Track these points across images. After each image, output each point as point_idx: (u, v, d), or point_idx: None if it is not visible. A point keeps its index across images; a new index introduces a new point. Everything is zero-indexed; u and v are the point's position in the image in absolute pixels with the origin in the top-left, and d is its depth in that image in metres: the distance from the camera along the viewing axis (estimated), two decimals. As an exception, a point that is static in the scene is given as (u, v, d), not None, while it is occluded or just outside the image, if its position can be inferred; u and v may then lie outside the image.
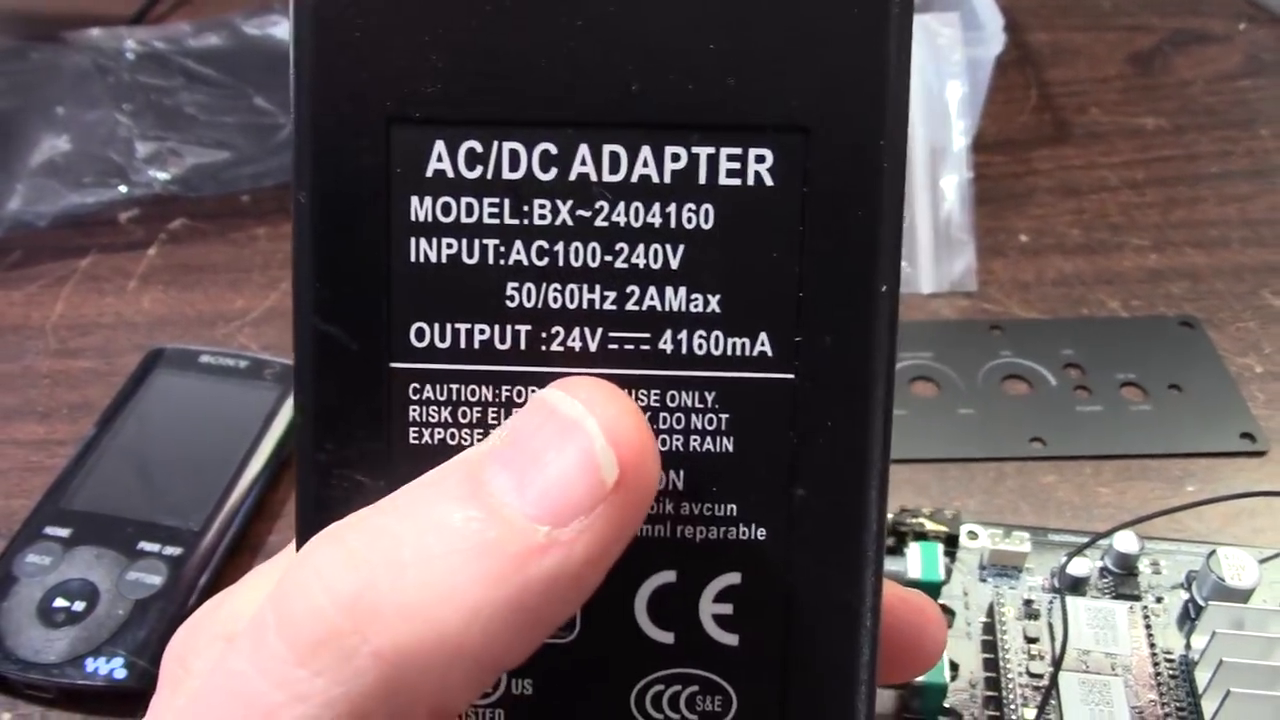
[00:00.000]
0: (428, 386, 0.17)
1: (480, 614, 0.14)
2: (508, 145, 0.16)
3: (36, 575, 0.37)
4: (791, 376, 0.16)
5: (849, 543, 0.17)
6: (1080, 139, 0.59)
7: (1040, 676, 0.34)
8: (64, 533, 0.38)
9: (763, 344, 0.16)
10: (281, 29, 0.61)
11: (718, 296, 0.16)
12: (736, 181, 0.16)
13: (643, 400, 0.17)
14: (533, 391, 0.16)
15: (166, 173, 0.55)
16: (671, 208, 0.16)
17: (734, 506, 0.17)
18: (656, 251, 0.16)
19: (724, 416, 0.17)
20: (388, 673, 0.14)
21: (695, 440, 0.17)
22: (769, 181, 0.16)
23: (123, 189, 0.54)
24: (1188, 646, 0.35)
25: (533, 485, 0.15)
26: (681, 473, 0.17)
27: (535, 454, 0.15)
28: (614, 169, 0.16)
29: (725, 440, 0.17)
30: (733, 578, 0.17)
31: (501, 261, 0.16)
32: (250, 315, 0.49)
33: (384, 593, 0.14)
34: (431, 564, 0.14)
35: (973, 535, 0.38)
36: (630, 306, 0.16)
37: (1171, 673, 0.34)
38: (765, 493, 0.17)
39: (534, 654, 0.17)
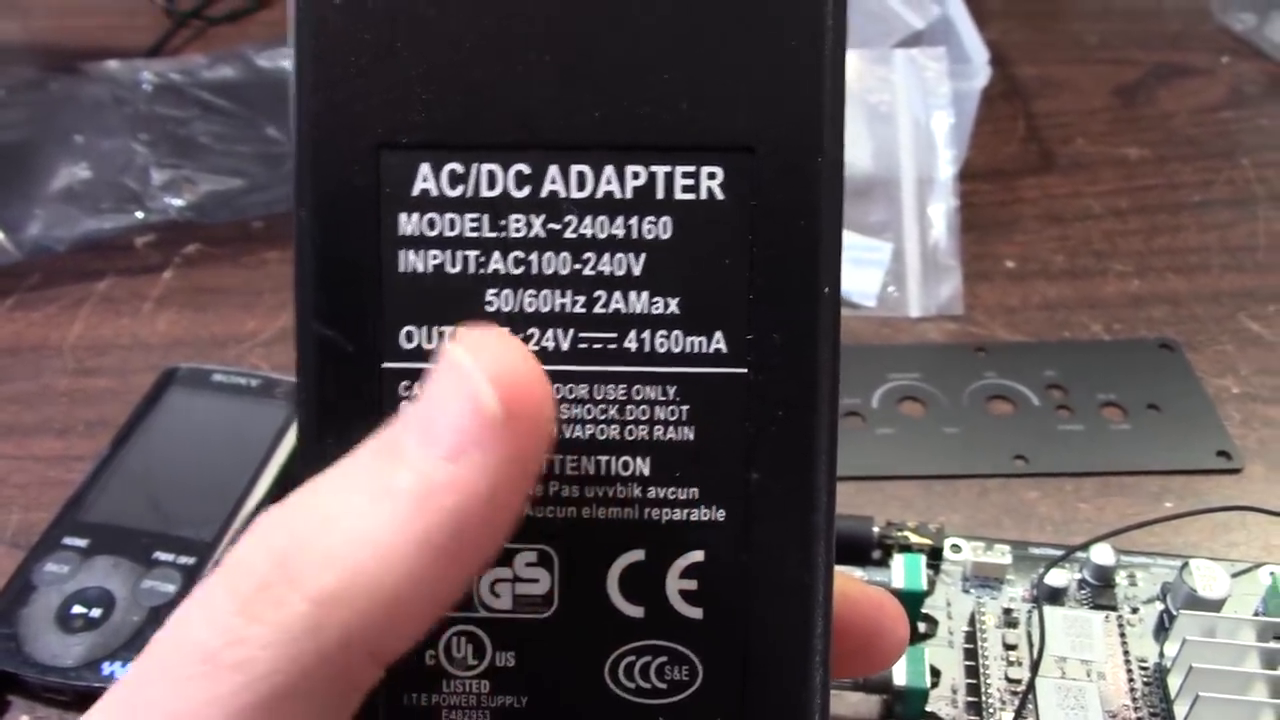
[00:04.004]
0: (417, 384, 0.18)
1: (394, 554, 0.15)
2: (485, 167, 0.18)
3: (55, 583, 0.38)
4: (745, 371, 0.18)
5: (801, 522, 0.18)
6: (1066, 168, 0.61)
7: (1018, 682, 0.35)
8: (82, 543, 0.40)
9: (718, 342, 0.18)
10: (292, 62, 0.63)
11: (677, 299, 0.18)
12: (691, 196, 0.18)
13: (611, 394, 0.18)
14: None
15: (181, 199, 0.57)
16: (633, 220, 0.18)
17: (695, 490, 0.18)
18: (621, 260, 0.18)
19: (684, 408, 0.18)
20: (317, 616, 0.15)
21: (659, 430, 0.18)
22: (720, 196, 0.18)
23: (139, 215, 0.56)
24: (1161, 654, 0.36)
25: (430, 429, 0.16)
26: (647, 460, 0.18)
27: (432, 403, 0.16)
28: (581, 186, 0.18)
29: (686, 429, 0.18)
30: (696, 556, 0.18)
31: (481, 271, 0.18)
32: (261, 336, 0.51)
33: (310, 545, 0.15)
34: (349, 515, 0.15)
35: (956, 548, 0.39)
36: (598, 310, 0.18)
37: (1145, 679, 0.35)
38: (724, 477, 0.18)
39: (516, 629, 0.18)
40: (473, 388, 0.16)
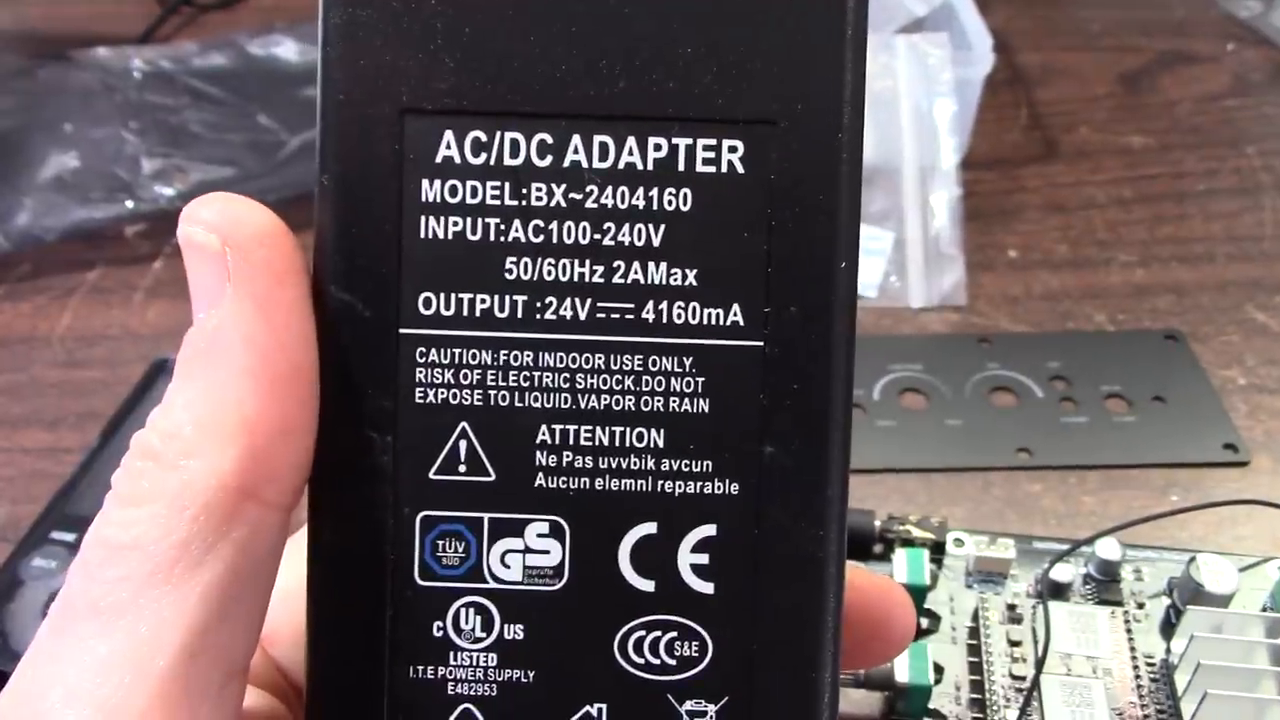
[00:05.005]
0: (433, 350, 0.18)
1: (217, 411, 0.17)
2: (509, 135, 0.18)
3: (42, 578, 0.38)
4: (761, 344, 0.18)
5: (814, 497, 0.18)
6: (1069, 157, 0.60)
7: (1023, 679, 0.35)
8: (70, 538, 0.39)
9: (735, 314, 0.18)
10: (285, 49, 0.62)
11: (695, 271, 0.18)
12: (712, 169, 0.18)
13: (627, 364, 0.18)
14: (528, 356, 0.18)
15: (172, 188, 0.56)
16: (654, 191, 0.18)
17: (709, 463, 0.18)
18: (640, 230, 0.18)
19: (700, 380, 0.18)
20: (179, 478, 0.17)
21: (674, 401, 0.18)
22: (740, 169, 0.18)
23: (129, 204, 0.55)
24: (1168, 650, 0.35)
25: (194, 300, 0.17)
26: (661, 431, 0.18)
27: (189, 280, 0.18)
28: (603, 157, 0.18)
29: (701, 402, 0.18)
30: (708, 530, 0.18)
31: (501, 238, 0.18)
32: (253, 327, 0.50)
33: (154, 433, 0.17)
34: (171, 396, 0.17)
35: (959, 542, 0.38)
36: (616, 280, 0.18)
37: (1152, 676, 0.35)
38: (737, 450, 0.18)
39: (526, 600, 0.18)
40: (193, 244, 0.17)
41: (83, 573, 0.16)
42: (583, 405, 0.18)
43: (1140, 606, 0.37)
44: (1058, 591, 0.37)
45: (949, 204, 0.53)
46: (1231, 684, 0.33)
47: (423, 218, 0.18)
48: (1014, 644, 0.36)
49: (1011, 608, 0.37)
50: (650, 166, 0.18)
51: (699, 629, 0.18)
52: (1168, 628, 0.36)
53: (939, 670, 0.35)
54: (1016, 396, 0.47)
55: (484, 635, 0.18)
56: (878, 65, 0.53)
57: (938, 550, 0.38)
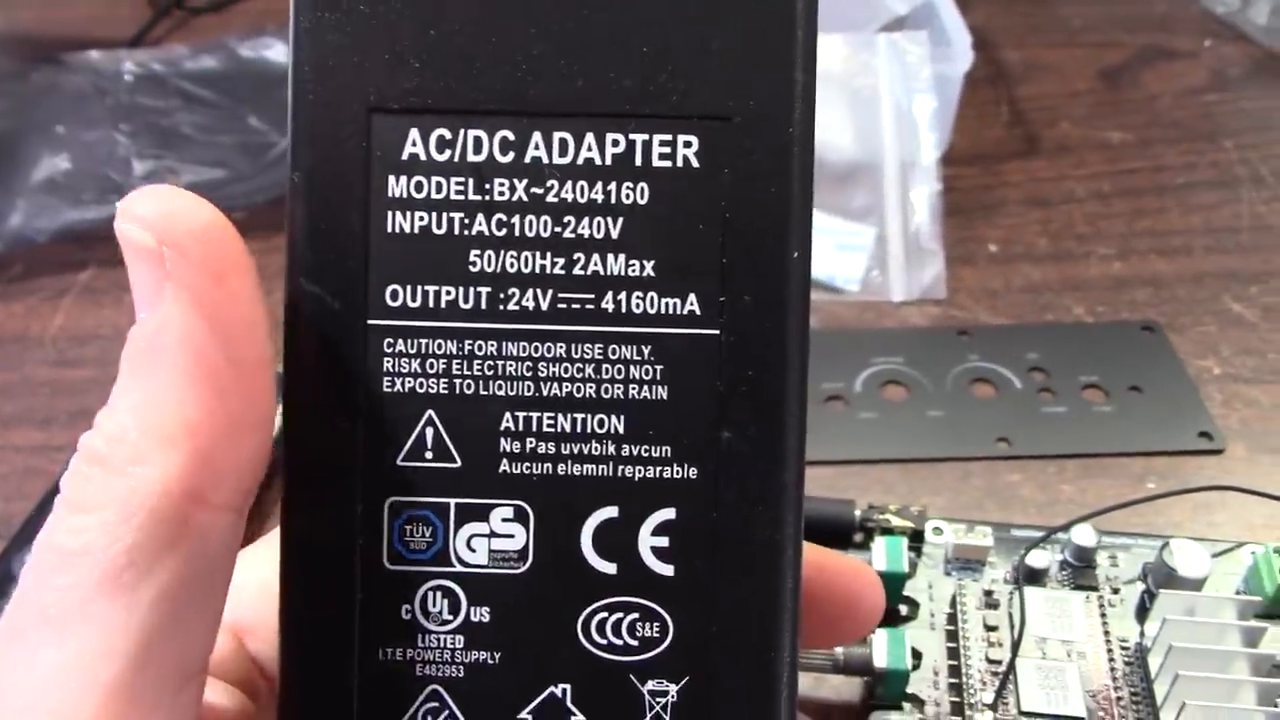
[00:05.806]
0: (400, 341, 0.19)
1: (159, 406, 0.17)
2: (472, 132, 0.18)
3: (36, 574, 0.38)
4: (717, 332, 0.19)
5: (770, 481, 0.19)
6: (1050, 152, 0.61)
7: (999, 663, 0.35)
8: (63, 533, 0.40)
9: (692, 303, 0.19)
10: (275, 52, 0.63)
11: (652, 262, 0.19)
12: (668, 164, 0.19)
13: (587, 353, 0.19)
14: (492, 346, 0.19)
15: (163, 190, 0.56)
16: (612, 186, 0.19)
17: (668, 448, 0.19)
18: (599, 223, 0.19)
19: (659, 367, 0.19)
20: (128, 483, 0.17)
21: (634, 389, 0.19)
22: (695, 163, 0.18)
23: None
24: (1142, 634, 0.36)
25: (136, 299, 0.17)
26: (621, 418, 0.19)
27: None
28: (563, 152, 0.19)
29: (660, 389, 0.19)
30: (668, 513, 0.19)
31: (465, 232, 0.19)
32: (244, 326, 0.51)
33: (99, 440, 0.17)
34: (115, 401, 0.17)
35: (938, 531, 0.39)
36: (576, 271, 0.19)
37: (1126, 659, 0.36)
38: (695, 436, 0.19)
39: (491, 584, 0.19)
40: (130, 240, 0.17)
41: (34, 577, 0.16)
42: (545, 393, 0.19)
43: (1115, 591, 0.38)
44: (1034, 577, 0.38)
45: (929, 199, 0.53)
46: (1203, 665, 0.33)
47: (389, 213, 0.18)
48: (991, 629, 0.37)
49: (989, 594, 0.38)
50: (608, 161, 0.18)
51: (660, 610, 0.19)
52: (1142, 612, 0.37)
53: (917, 655, 0.36)
54: (996, 388, 0.48)
55: (451, 618, 0.19)
56: (858, 63, 0.53)
57: (917, 539, 0.39)
